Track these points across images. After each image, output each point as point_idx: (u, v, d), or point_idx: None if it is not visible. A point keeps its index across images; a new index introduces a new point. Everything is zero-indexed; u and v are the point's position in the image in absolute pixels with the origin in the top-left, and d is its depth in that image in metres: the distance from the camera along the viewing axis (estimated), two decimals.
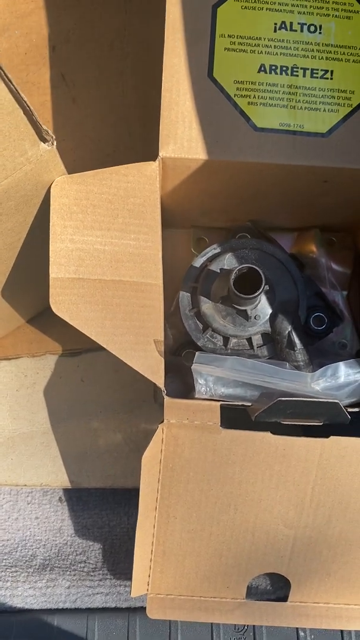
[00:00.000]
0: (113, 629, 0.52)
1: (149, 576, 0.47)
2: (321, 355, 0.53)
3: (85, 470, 0.57)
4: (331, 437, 0.43)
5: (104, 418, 0.58)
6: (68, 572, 0.54)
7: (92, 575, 0.54)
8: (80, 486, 0.56)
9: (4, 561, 0.55)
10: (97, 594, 0.54)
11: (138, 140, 0.66)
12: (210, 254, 0.51)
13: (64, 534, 0.56)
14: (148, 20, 0.69)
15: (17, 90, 0.34)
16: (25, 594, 0.53)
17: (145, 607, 0.52)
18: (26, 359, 0.59)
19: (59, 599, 0.54)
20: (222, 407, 0.42)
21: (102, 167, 0.64)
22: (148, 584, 0.47)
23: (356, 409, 0.42)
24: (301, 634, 0.52)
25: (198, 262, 0.51)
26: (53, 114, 0.67)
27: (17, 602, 0.53)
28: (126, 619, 0.52)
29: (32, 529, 0.56)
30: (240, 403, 0.42)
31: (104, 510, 0.57)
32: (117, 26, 0.69)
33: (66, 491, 0.57)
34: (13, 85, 0.34)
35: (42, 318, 0.60)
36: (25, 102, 0.35)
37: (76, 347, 0.59)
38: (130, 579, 0.55)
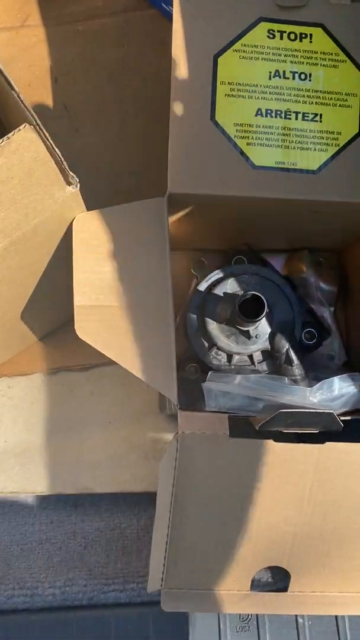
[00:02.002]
0: (128, 623, 0.56)
1: (163, 573, 0.51)
2: (312, 366, 0.59)
3: (97, 477, 0.61)
4: (326, 442, 0.48)
5: (114, 428, 0.62)
6: (84, 572, 0.59)
7: (106, 574, 0.59)
8: (93, 492, 0.60)
9: (24, 564, 0.59)
10: (112, 591, 0.58)
11: (139, 166, 0.69)
12: (213, 279, 0.55)
13: (78, 536, 0.60)
14: (145, 52, 0.73)
15: (52, 145, 0.39)
16: (46, 593, 0.58)
17: (156, 602, 0.57)
18: (40, 374, 0.63)
19: (76, 597, 0.58)
20: (229, 418, 0.47)
21: (106, 193, 0.68)
22: (162, 580, 0.51)
23: (348, 417, 0.48)
24: (300, 620, 0.57)
25: (203, 286, 0.56)
26: (57, 143, 0.71)
27: (38, 602, 0.58)
28: (140, 613, 0.57)
29: (48, 532, 0.60)
30: (245, 414, 0.47)
31: (115, 514, 0.61)
32: (115, 58, 0.73)
33: (80, 497, 0.62)
34: (48, 139, 0.39)
35: (55, 336, 0.63)
36: (57, 153, 0.40)
37: (86, 362, 0.63)
38: (141, 576, 0.59)
